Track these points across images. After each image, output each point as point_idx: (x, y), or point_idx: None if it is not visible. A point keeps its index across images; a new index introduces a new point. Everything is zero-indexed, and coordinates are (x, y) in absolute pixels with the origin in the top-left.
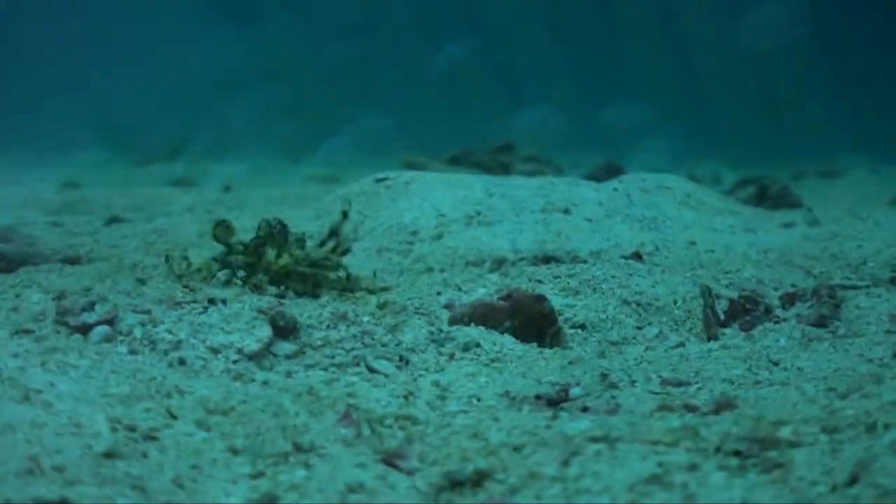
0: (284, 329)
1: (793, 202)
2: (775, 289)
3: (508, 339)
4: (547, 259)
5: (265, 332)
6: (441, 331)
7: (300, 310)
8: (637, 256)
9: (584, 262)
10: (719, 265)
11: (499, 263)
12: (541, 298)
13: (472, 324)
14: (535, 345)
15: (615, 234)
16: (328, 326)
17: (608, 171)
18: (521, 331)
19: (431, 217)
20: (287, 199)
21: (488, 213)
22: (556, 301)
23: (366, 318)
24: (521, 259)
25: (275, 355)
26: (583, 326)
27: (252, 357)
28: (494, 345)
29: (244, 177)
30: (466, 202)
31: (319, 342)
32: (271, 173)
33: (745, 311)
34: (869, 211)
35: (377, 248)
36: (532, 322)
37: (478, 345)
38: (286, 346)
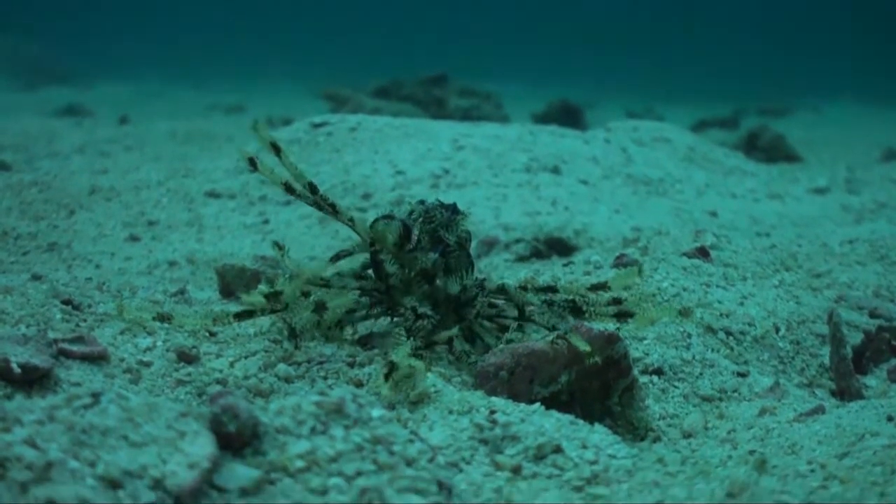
0: (236, 439)
1: (790, 154)
2: (892, 301)
3: (602, 437)
4: (552, 242)
5: (203, 446)
6: (493, 421)
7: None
8: (703, 253)
9: (635, 260)
10: (795, 260)
11: (487, 246)
12: (613, 338)
13: (511, 380)
14: (638, 443)
15: (622, 202)
16: (313, 430)
17: (564, 112)
18: (578, 385)
19: (387, 175)
20: (194, 138)
21: (459, 171)
22: (611, 328)
23: (375, 413)
24: (517, 241)
25: (220, 491)
26: (659, 372)
27: (180, 499)
28: (585, 449)
29: (142, 102)
30: (430, 156)
31: (299, 463)
32: (170, 99)
33: (893, 351)
34: (868, 168)
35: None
36: (594, 373)
37: (557, 450)
38: (240, 473)
